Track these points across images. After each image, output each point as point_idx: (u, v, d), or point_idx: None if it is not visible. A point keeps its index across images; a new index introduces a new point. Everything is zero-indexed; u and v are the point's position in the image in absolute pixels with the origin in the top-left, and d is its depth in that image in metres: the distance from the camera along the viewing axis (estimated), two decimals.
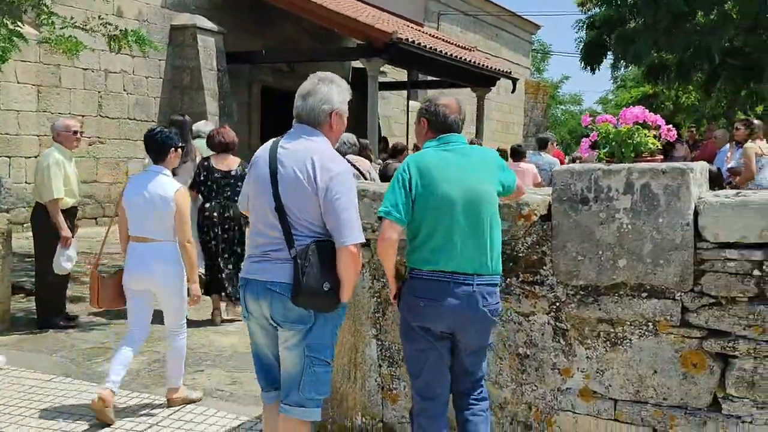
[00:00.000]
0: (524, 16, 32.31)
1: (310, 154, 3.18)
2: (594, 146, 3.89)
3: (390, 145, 16.16)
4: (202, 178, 6.97)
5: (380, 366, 4.12)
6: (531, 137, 34.58)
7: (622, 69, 11.34)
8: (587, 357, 3.63)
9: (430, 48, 15.08)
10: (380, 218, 3.30)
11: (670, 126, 3.71)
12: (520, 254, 3.73)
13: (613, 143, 3.59)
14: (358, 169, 8.32)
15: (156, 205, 4.60)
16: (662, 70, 12.49)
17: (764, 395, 3.28)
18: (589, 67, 12.07)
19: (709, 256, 3.36)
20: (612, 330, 3.57)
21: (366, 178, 8.21)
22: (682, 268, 3.39)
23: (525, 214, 3.70)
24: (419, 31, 21.62)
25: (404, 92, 22.98)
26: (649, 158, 3.56)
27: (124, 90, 13.91)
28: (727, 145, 10.78)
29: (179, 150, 4.86)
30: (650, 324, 3.49)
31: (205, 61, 14.87)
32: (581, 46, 11.88)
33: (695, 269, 3.38)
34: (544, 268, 3.70)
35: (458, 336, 3.37)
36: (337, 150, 8.67)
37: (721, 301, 3.35)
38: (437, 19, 27.12)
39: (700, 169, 3.62)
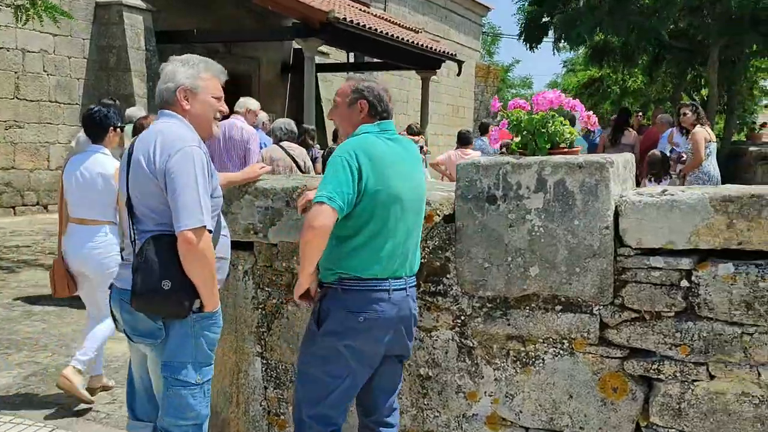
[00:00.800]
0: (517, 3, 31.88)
1: (155, 137, 2.75)
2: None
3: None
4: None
5: (266, 388, 3.59)
6: (482, 121, 34.33)
7: (569, 51, 10.82)
8: (495, 379, 3.16)
9: (370, 28, 14.50)
10: (317, 203, 2.70)
11: (591, 113, 3.24)
12: (422, 260, 3.23)
13: (525, 133, 3.10)
14: (291, 156, 7.80)
15: (96, 185, 4.47)
16: (606, 52, 12.11)
17: (692, 425, 2.84)
18: (528, 45, 11.60)
19: (631, 264, 2.90)
20: (523, 348, 3.09)
21: (299, 166, 7.69)
22: (601, 277, 2.92)
23: (426, 214, 3.20)
24: (364, 11, 21.02)
25: (349, 74, 22.51)
26: (566, 150, 3.09)
27: (44, 71, 13.07)
28: (669, 130, 10.45)
29: (118, 130, 4.75)
30: (565, 342, 3.02)
31: (133, 40, 14.08)
32: (521, 23, 11.38)
33: (615, 279, 2.92)
34: (448, 276, 3.20)
35: (388, 350, 2.89)
36: (274, 135, 8.19)
37: (645, 316, 2.90)
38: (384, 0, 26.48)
39: (624, 162, 3.16)
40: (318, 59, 19.25)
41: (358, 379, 2.87)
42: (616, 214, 2.91)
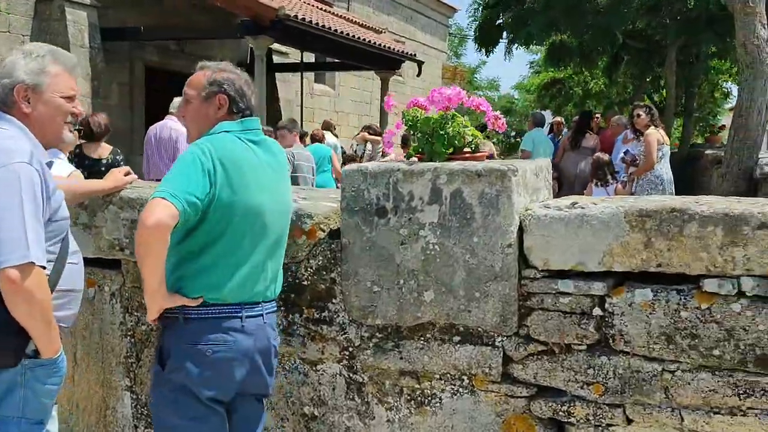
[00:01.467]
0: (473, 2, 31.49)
1: None
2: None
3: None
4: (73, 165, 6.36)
5: (136, 427, 3.13)
6: None
7: (521, 49, 10.46)
8: (388, 420, 2.73)
9: (323, 26, 14.04)
10: (154, 199, 2.23)
11: (498, 113, 2.83)
12: (305, 282, 2.79)
13: (419, 135, 2.69)
14: None
15: None
16: (563, 52, 11.78)
17: None
18: (483, 49, 11.23)
19: (538, 289, 2.49)
20: (418, 385, 2.67)
21: None
22: (503, 304, 2.51)
23: (308, 229, 2.77)
24: (324, 10, 20.56)
25: (311, 75, 22.01)
26: (468, 155, 2.67)
27: None
28: (624, 132, 10.14)
29: (77, 133, 4.57)
30: (465, 378, 2.60)
31: (75, 37, 13.48)
32: (475, 26, 11.00)
33: (520, 306, 2.51)
34: (334, 301, 2.77)
35: (243, 388, 2.43)
36: None
37: (554, 348, 2.49)
38: None
39: (535, 169, 2.75)
40: (277, 59, 18.85)
41: (215, 423, 2.41)
42: (521, 230, 2.50)
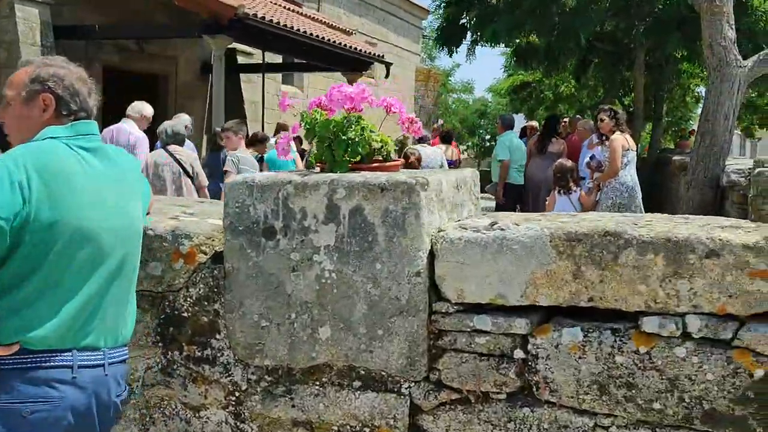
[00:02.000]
0: (413, 1, 31.15)
1: None
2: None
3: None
4: None
5: None
6: (423, 126, 33.63)
7: (487, 46, 10.08)
8: None
9: (285, 26, 13.60)
10: None
11: (414, 117, 2.43)
12: (184, 314, 2.37)
13: (318, 141, 2.28)
14: (177, 160, 6.97)
15: None
16: (530, 54, 11.43)
17: None
18: (446, 49, 10.85)
19: (451, 326, 2.09)
20: None
21: (186, 171, 6.93)
22: (410, 343, 2.11)
23: (186, 252, 2.34)
24: (291, 10, 20.12)
25: (278, 76, 21.56)
26: (377, 165, 2.27)
27: None
28: (591, 137, 9.81)
29: None
30: (367, 431, 2.19)
31: (26, 35, 12.95)
32: (438, 26, 10.62)
33: (431, 346, 2.11)
34: (218, 336, 2.35)
35: None
36: (160, 139, 7.34)
37: (469, 397, 2.09)
38: None
39: (454, 181, 2.35)
40: (242, 59, 18.38)
41: None
42: (433, 256, 2.10)
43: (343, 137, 2.26)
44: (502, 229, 2.04)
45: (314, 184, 2.16)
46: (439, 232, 2.12)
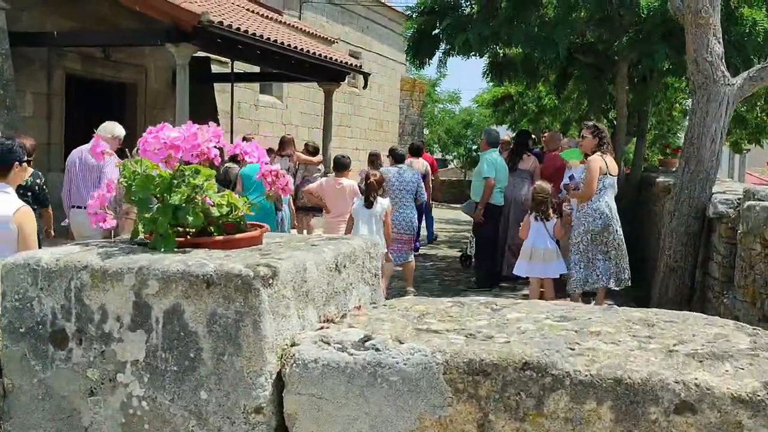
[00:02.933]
0: (397, 9, 30.52)
1: None
2: None
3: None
4: None
5: None
6: (407, 136, 33.04)
7: (458, 57, 9.45)
8: None
9: (254, 34, 12.95)
10: None
11: (280, 170, 1.76)
12: None
13: (138, 204, 1.62)
14: None
15: None
16: (506, 66, 10.81)
17: None
18: (417, 61, 10.21)
19: None
20: None
21: None
22: None
23: None
24: (269, 18, 19.48)
25: (255, 85, 20.87)
26: (221, 240, 1.61)
27: None
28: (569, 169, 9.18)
29: (24, 164, 4.39)
30: None
31: None
32: (408, 37, 9.97)
33: None
34: None
35: None
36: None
37: None
38: (299, 7, 25.02)
39: (332, 260, 1.68)
40: (217, 68, 17.69)
41: None
42: (282, 383, 1.44)
43: (171, 200, 1.59)
44: (377, 350, 1.38)
45: (117, 273, 1.49)
46: (291, 346, 1.46)
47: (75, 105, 15.11)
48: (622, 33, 9.68)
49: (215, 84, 18.08)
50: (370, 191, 7.37)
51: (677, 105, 15.34)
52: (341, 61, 16.31)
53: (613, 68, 10.41)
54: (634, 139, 12.58)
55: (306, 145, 13.78)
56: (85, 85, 15.42)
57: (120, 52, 15.57)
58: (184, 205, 1.56)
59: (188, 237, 1.62)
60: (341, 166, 8.44)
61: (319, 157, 13.11)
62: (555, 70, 11.32)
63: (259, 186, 10.81)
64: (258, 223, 1.80)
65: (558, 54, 9.35)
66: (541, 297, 7.83)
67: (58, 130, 14.59)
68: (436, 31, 9.70)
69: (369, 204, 7.37)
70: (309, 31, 22.30)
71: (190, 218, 1.56)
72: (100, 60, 15.19)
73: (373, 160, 13.19)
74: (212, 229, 1.65)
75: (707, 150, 5.77)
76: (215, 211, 1.60)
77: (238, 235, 1.64)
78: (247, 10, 17.82)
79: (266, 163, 1.68)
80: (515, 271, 7.98)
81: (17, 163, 4.21)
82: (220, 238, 1.62)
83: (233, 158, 11.69)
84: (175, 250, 1.58)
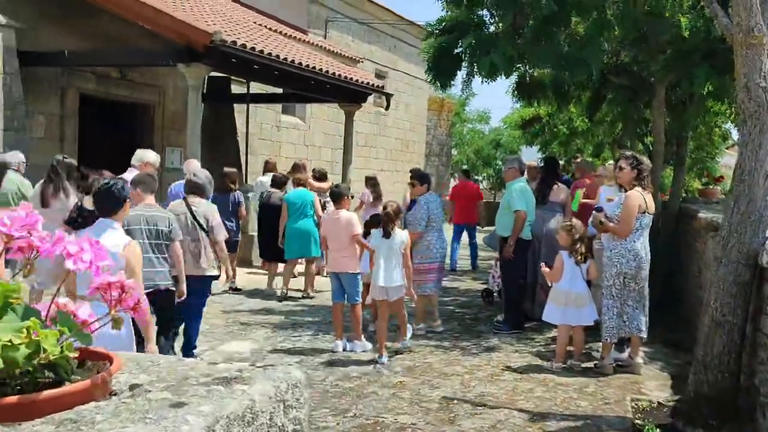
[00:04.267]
0: (426, 27, 29.91)
1: None
2: None
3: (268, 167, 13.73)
4: (74, 215, 6.51)
5: None
6: (434, 157, 32.39)
7: (483, 81, 8.80)
8: None
9: (269, 55, 12.41)
10: None
11: (127, 283, 1.14)
12: None
13: None
14: (192, 213, 6.82)
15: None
16: (535, 88, 10.12)
17: None
18: (438, 82, 9.56)
19: None
20: None
21: (200, 223, 6.73)
22: None
23: None
24: (292, 37, 19.02)
25: (278, 106, 20.37)
26: (15, 401, 0.98)
27: None
28: (608, 187, 8.46)
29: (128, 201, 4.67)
30: None
31: None
32: (428, 56, 9.33)
33: None
34: None
35: None
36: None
37: None
38: (325, 26, 24.59)
39: None
40: (237, 88, 17.20)
41: None
42: None
43: None
44: None
45: None
46: None
47: (89, 126, 14.71)
48: (658, 53, 8.97)
49: (235, 104, 17.60)
50: (387, 222, 6.87)
51: (716, 129, 14.48)
52: (362, 82, 15.73)
53: (649, 91, 9.67)
54: (670, 169, 11.81)
55: (313, 171, 13.22)
56: (100, 106, 15.03)
57: (136, 72, 15.17)
58: None
59: None
60: (336, 196, 7.81)
61: (328, 183, 12.53)
62: (587, 91, 10.60)
63: (304, 210, 10.41)
64: (107, 353, 1.14)
65: (591, 74, 8.65)
66: (570, 343, 7.10)
67: (71, 152, 14.13)
68: (458, 50, 9.03)
69: (387, 235, 6.84)
70: (333, 51, 21.80)
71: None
72: (116, 80, 14.79)
73: (373, 183, 12.71)
74: (13, 382, 1.00)
75: (760, 188, 5.03)
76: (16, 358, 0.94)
77: (42, 395, 0.99)
78: (270, 29, 17.36)
79: (98, 267, 1.03)
80: (546, 318, 7.22)
81: (127, 201, 4.59)
82: (10, 400, 0.97)
83: (276, 182, 11.42)
84: None
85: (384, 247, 6.91)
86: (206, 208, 6.83)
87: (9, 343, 0.95)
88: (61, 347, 1.01)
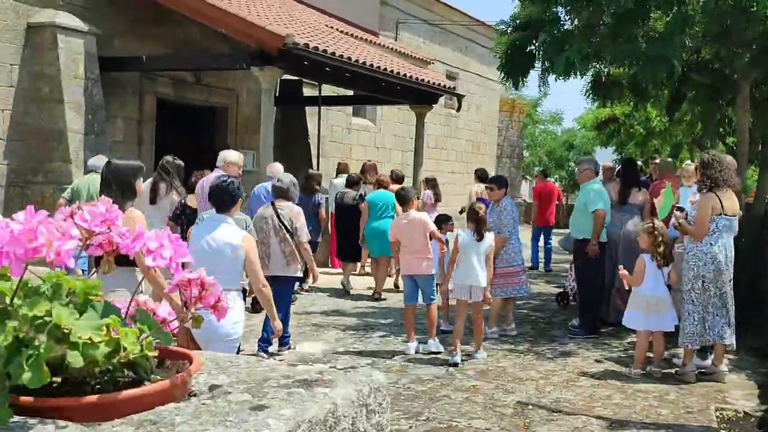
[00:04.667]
0: (498, 25, 29.59)
1: None
2: None
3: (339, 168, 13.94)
4: (178, 212, 7.22)
5: None
6: (506, 158, 32.06)
7: (558, 79, 8.64)
8: None
9: (341, 57, 12.46)
10: None
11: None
12: None
13: None
14: (278, 216, 7.12)
15: (224, 254, 4.60)
16: (611, 86, 9.85)
17: None
18: (510, 80, 9.40)
19: None
20: None
21: (286, 227, 7.09)
22: None
23: None
24: (362, 39, 19.08)
25: (348, 108, 20.47)
26: (94, 400, 0.95)
27: None
28: (687, 188, 8.18)
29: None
30: None
31: (68, 67, 12.25)
32: (501, 54, 9.19)
33: None
34: None
35: None
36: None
37: None
38: (396, 28, 24.60)
39: None
40: (309, 91, 17.35)
41: None
42: None
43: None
44: None
45: None
46: None
47: (166, 130, 15.06)
48: (742, 49, 8.62)
49: (306, 107, 17.75)
50: (480, 224, 6.95)
51: None
52: (433, 83, 15.65)
53: (732, 88, 9.30)
54: (755, 170, 11.35)
55: (391, 173, 13.26)
56: (175, 110, 15.35)
57: (211, 77, 15.45)
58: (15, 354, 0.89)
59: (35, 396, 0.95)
60: (405, 199, 7.78)
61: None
62: (666, 89, 10.27)
63: (385, 211, 10.60)
64: (186, 353, 1.11)
65: (672, 71, 8.37)
66: (649, 349, 6.88)
67: (148, 155, 14.51)
68: (531, 47, 8.87)
69: (480, 237, 6.95)
70: (404, 52, 21.79)
71: (27, 374, 0.89)
72: (191, 84, 15.09)
73: (433, 185, 12.87)
74: (93, 381, 0.97)
75: None
76: (74, 358, 0.92)
77: (121, 394, 0.96)
78: (341, 32, 17.45)
79: (178, 263, 1.00)
80: (627, 323, 6.98)
81: (240, 199, 4.91)
82: (90, 399, 0.94)
83: (350, 182, 11.62)
84: (10, 421, 0.91)
85: (473, 249, 6.92)
86: (291, 211, 7.08)
87: (89, 341, 0.93)
88: (141, 346, 0.99)
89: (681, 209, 6.94)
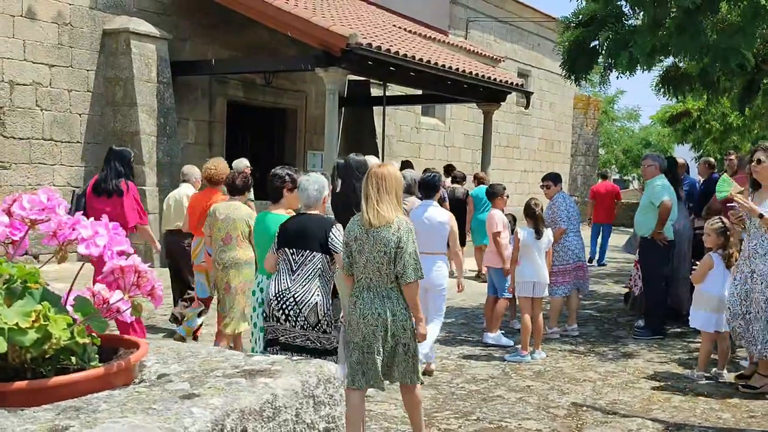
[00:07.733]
0: (562, 20, 29.04)
1: None
2: None
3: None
4: None
5: None
6: (581, 156, 31.43)
7: (621, 76, 8.43)
8: None
9: (405, 56, 12.45)
10: None
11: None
12: None
13: None
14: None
15: (436, 228, 6.22)
16: (678, 79, 9.53)
17: None
18: (573, 76, 9.19)
19: None
20: None
21: None
22: None
23: None
24: (431, 38, 19.04)
25: (417, 107, 20.46)
26: (18, 386, 0.97)
27: (37, 105, 11.76)
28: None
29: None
30: None
31: (141, 71, 12.64)
32: (563, 50, 9.01)
33: None
34: None
35: None
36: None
37: None
38: (466, 26, 24.45)
39: None
40: (376, 91, 17.43)
41: None
42: None
43: None
44: None
45: None
46: None
47: (236, 131, 15.37)
48: None
49: (375, 107, 17.83)
50: (539, 222, 7.15)
51: None
52: (500, 80, 15.48)
53: None
54: None
55: (447, 167, 13.59)
56: (245, 112, 15.65)
57: (280, 79, 15.69)
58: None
59: None
60: (492, 195, 8.19)
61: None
62: (739, 82, 9.89)
63: (488, 205, 10.81)
64: (137, 341, 1.13)
65: (743, 63, 8.06)
66: (714, 351, 6.62)
67: (218, 155, 14.80)
68: (594, 43, 8.68)
69: (539, 235, 7.12)
70: (474, 51, 21.63)
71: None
72: (261, 87, 15.35)
73: (456, 174, 13.01)
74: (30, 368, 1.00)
75: None
76: None
77: (50, 381, 0.98)
78: (409, 31, 17.45)
79: (113, 254, 1.01)
80: (693, 323, 6.65)
81: (441, 187, 6.74)
82: (20, 385, 0.97)
83: (457, 179, 12.19)
84: None
85: (534, 246, 7.09)
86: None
87: (15, 327, 0.95)
88: (72, 333, 1.01)
89: (733, 208, 6.60)
